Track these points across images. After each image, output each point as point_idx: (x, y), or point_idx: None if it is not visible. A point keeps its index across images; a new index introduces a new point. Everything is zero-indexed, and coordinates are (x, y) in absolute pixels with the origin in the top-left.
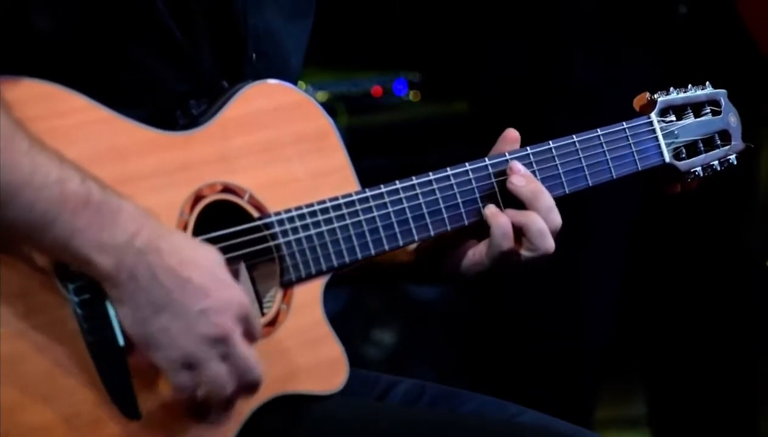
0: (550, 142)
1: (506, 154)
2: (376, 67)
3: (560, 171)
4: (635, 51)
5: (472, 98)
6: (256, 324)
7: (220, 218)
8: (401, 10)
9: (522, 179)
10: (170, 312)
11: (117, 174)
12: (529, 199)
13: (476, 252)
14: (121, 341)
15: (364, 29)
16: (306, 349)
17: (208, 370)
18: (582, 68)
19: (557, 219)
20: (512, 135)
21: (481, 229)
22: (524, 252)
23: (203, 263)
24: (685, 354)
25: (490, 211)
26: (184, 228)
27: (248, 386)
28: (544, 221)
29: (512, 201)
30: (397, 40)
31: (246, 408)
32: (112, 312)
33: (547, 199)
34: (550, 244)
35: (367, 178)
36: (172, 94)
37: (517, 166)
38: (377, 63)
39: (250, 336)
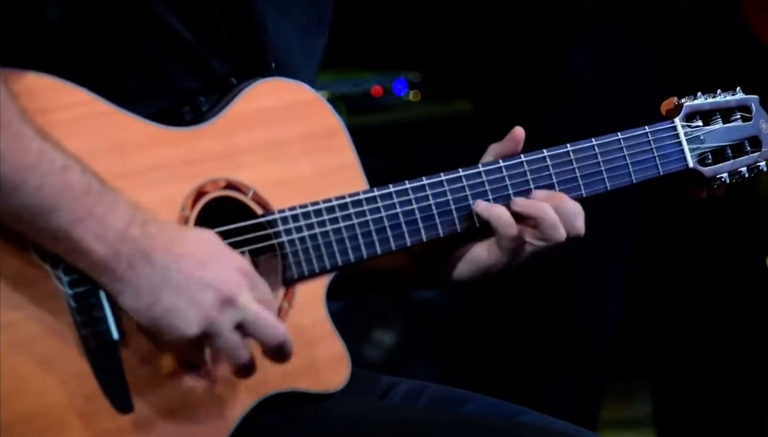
0: (568, 145)
1: (522, 156)
2: (376, 67)
3: (578, 174)
4: (636, 47)
5: (474, 97)
6: (262, 286)
7: (222, 215)
8: (401, 10)
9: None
10: (171, 290)
11: (118, 168)
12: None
13: (491, 252)
14: (115, 335)
15: (364, 29)
16: (308, 347)
17: (223, 341)
18: (581, 65)
19: (576, 223)
20: (519, 134)
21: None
22: (535, 242)
23: (195, 239)
24: (691, 354)
25: (481, 206)
26: (185, 223)
27: (274, 348)
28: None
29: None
30: (397, 40)
31: (244, 404)
32: (106, 305)
33: (565, 203)
34: (560, 235)
35: (366, 178)
36: (182, 91)
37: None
38: (377, 63)
39: (262, 300)
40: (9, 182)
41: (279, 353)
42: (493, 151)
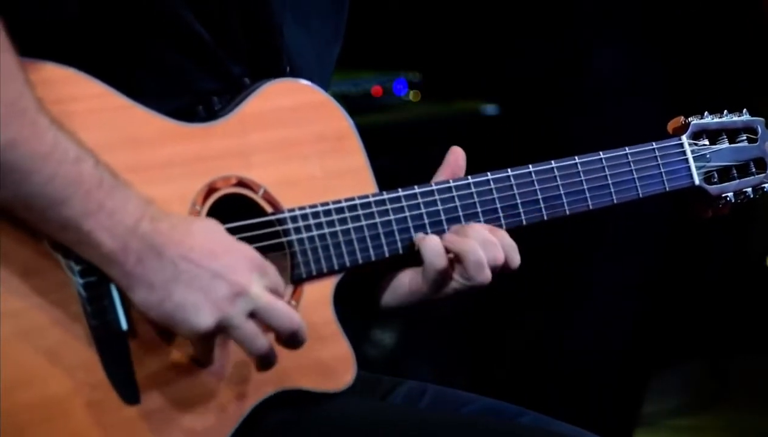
0: (576, 158)
1: (530, 166)
2: (376, 67)
3: (585, 187)
4: (654, 47)
5: (492, 98)
6: (273, 273)
7: (233, 212)
8: (401, 10)
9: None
10: (182, 284)
11: (131, 161)
12: (466, 231)
13: (414, 282)
14: (124, 325)
15: (364, 29)
16: (314, 346)
17: (239, 331)
18: (600, 66)
19: (498, 256)
20: (458, 152)
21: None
22: (460, 279)
23: (203, 231)
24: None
25: (419, 236)
26: None
27: (288, 335)
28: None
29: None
30: (397, 40)
31: (249, 400)
32: (116, 295)
33: (483, 234)
34: (485, 276)
35: (376, 182)
36: (198, 91)
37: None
38: (377, 63)
39: (272, 288)
40: (22, 169)
41: (293, 340)
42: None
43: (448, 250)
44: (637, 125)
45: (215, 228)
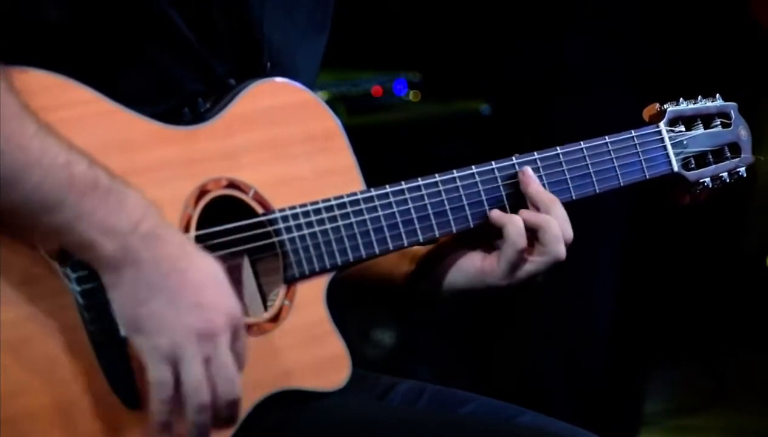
0: (558, 148)
1: (513, 158)
2: (376, 67)
3: (567, 176)
4: (653, 48)
5: (491, 98)
6: (244, 345)
7: (224, 213)
8: (401, 10)
9: (540, 186)
10: (164, 297)
11: (122, 166)
12: (546, 206)
13: (486, 262)
14: (123, 331)
15: (364, 29)
16: (308, 346)
17: (189, 367)
18: (578, 62)
19: (570, 230)
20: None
21: (480, 238)
22: (536, 258)
23: (204, 265)
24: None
25: (497, 213)
26: (188, 221)
27: (226, 403)
28: (559, 227)
29: (518, 205)
30: (397, 40)
31: (246, 402)
32: None
33: (561, 209)
34: (562, 251)
35: (366, 178)
36: (184, 92)
37: (531, 172)
38: (377, 63)
39: (237, 353)
40: (9, 178)
41: (228, 408)
42: None
43: (526, 226)
44: (634, 125)
45: (215, 272)
